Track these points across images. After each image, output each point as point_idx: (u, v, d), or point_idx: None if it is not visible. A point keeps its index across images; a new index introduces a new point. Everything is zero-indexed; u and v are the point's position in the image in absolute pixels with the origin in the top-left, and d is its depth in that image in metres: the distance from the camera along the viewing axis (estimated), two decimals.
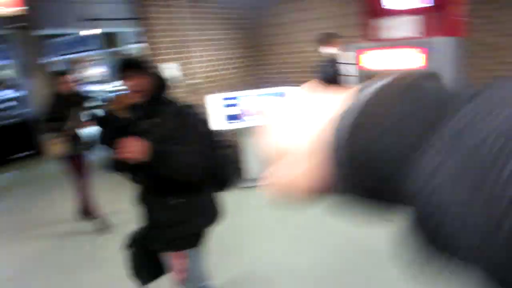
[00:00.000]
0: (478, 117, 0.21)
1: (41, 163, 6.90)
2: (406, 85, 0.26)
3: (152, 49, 4.66)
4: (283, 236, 3.36)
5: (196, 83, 5.05)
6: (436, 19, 3.78)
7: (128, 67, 1.75)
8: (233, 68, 5.70)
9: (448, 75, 3.72)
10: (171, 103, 1.79)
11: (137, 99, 1.74)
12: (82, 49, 17.86)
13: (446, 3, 3.74)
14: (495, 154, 0.19)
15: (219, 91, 4.71)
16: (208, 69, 5.28)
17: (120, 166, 1.72)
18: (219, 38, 5.43)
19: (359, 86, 0.29)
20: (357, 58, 4.08)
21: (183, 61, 4.92)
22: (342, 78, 4.08)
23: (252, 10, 5.91)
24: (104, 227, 3.78)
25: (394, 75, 0.28)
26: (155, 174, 1.67)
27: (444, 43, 3.64)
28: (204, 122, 1.80)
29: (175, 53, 4.82)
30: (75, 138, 3.62)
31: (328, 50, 4.13)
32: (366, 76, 3.95)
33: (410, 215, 0.24)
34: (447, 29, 3.75)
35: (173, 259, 1.85)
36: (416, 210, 0.23)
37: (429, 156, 0.23)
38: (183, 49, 4.92)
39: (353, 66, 4.15)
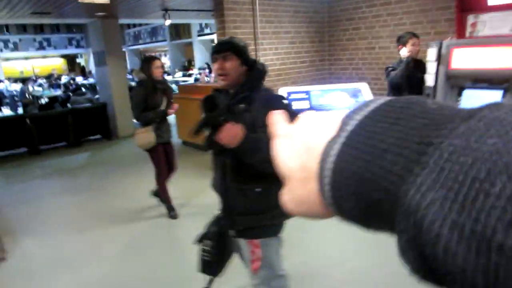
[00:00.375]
0: (469, 141, 0.22)
1: (112, 145, 7.35)
2: (396, 108, 0.26)
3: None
4: (343, 234, 3.29)
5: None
6: None
7: (224, 48, 1.73)
8: (302, 62, 5.48)
9: None
10: (262, 90, 1.75)
11: (228, 82, 1.73)
12: (150, 40, 18.81)
13: None
14: (478, 187, 0.20)
15: (288, 84, 4.53)
16: (278, 62, 5.12)
17: (215, 147, 1.74)
18: (289, 31, 5.23)
19: (348, 110, 0.28)
20: (449, 56, 3.64)
21: (251, 53, 4.81)
22: (420, 83, 3.68)
23: (327, 4, 5.62)
24: (173, 215, 3.84)
25: (382, 99, 0.27)
26: (240, 161, 1.64)
27: None
28: (292, 113, 1.65)
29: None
30: (166, 126, 3.65)
31: (402, 52, 3.77)
32: (459, 76, 3.51)
33: (399, 239, 0.24)
34: None
35: (248, 247, 1.81)
36: (405, 232, 0.23)
37: (419, 178, 0.23)
38: (251, 41, 4.80)
39: (434, 65, 3.73)
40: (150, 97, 3.43)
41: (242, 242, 1.84)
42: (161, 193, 3.89)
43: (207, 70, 7.99)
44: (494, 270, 0.18)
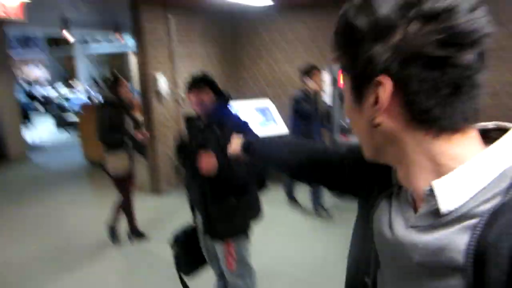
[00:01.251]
0: None
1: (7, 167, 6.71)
2: None
3: (140, 59, 4.85)
4: (286, 233, 3.83)
5: (180, 96, 5.29)
6: None
7: (199, 82, 2.12)
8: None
9: None
10: (231, 116, 2.17)
11: (205, 111, 2.11)
12: (29, 50, 17.03)
13: None
14: None
15: None
16: None
17: (191, 171, 2.10)
18: (200, 53, 5.73)
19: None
20: (338, 78, 4.58)
21: (167, 72, 5.15)
22: (320, 113, 4.16)
23: (230, 29, 6.30)
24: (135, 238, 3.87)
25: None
26: (217, 180, 2.01)
27: None
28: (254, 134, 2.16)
29: (161, 64, 5.04)
30: (136, 151, 3.60)
31: (309, 83, 4.07)
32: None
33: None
34: None
35: (224, 248, 2.18)
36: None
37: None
38: (167, 61, 5.15)
39: (330, 87, 4.63)
40: (117, 118, 3.42)
41: (218, 245, 2.18)
42: (130, 220, 3.87)
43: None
44: None
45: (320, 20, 5.56)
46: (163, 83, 4.99)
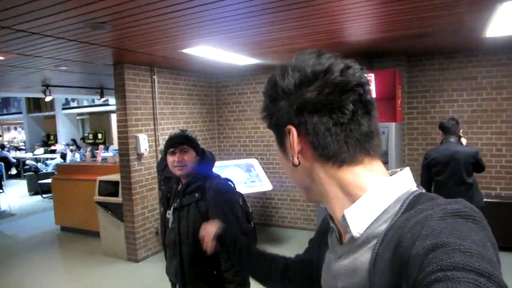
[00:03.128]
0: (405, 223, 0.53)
1: None
2: None
3: (121, 119, 4.80)
4: None
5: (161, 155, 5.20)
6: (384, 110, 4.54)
7: (179, 140, 1.97)
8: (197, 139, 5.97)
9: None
10: (214, 178, 2.01)
11: (185, 172, 1.95)
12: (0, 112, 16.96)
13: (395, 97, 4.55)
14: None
15: None
16: None
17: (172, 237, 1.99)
18: (184, 112, 5.75)
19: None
20: None
21: (149, 132, 5.10)
22: None
23: (215, 89, 6.42)
24: None
25: None
26: (197, 249, 1.82)
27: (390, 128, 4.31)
28: (243, 200, 2.04)
29: (143, 124, 5.00)
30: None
31: None
32: None
33: None
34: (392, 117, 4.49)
35: None
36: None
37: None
38: (150, 121, 5.13)
39: None
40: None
41: None
42: None
43: (102, 146, 7.72)
44: None
45: None
46: (145, 143, 4.91)
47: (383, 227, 0.57)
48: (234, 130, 6.37)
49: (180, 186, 2.03)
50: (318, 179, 0.65)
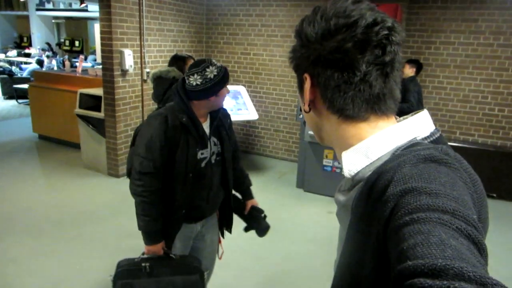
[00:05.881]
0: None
1: None
2: None
3: (106, 31, 4.65)
4: None
5: (147, 73, 5.15)
6: None
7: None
8: None
9: None
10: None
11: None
12: None
13: None
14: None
15: None
16: (161, 59, 5.41)
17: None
18: (172, 30, 5.58)
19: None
20: None
21: (135, 48, 4.99)
22: None
23: (206, 7, 6.17)
24: None
25: None
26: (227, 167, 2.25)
27: None
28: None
29: (128, 39, 4.87)
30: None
31: None
32: None
33: None
34: None
35: (217, 241, 2.34)
36: None
37: None
38: (137, 36, 4.98)
39: None
40: None
41: (215, 239, 2.29)
42: None
43: (82, 56, 7.49)
44: None
45: (301, 7, 5.56)
46: (130, 59, 4.82)
47: (370, 173, 0.62)
48: (223, 54, 6.27)
49: (207, 120, 2.02)
50: (326, 127, 0.72)
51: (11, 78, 10.22)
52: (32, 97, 6.60)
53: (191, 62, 3.28)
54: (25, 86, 8.13)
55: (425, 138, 0.64)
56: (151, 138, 1.87)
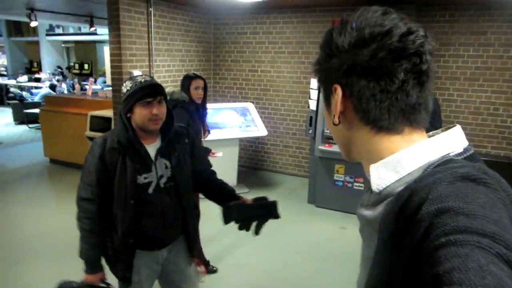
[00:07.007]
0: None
1: None
2: None
3: (115, 52, 4.76)
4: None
5: None
6: None
7: (159, 93, 1.81)
8: None
9: None
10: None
11: (157, 127, 1.87)
12: None
13: None
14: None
15: None
16: (170, 79, 5.50)
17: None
18: (180, 49, 5.69)
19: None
20: None
21: (144, 68, 5.09)
22: None
23: (213, 26, 6.30)
24: None
25: None
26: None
27: None
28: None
29: (137, 60, 4.97)
30: None
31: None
32: None
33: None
34: None
35: (195, 264, 2.19)
36: None
37: None
38: (146, 57, 5.09)
39: (315, 92, 4.66)
40: (191, 121, 3.20)
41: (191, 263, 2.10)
42: None
43: (92, 79, 7.66)
44: None
45: (308, 24, 5.65)
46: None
47: (399, 188, 0.59)
48: (231, 71, 6.36)
49: (158, 141, 1.92)
50: (356, 140, 0.69)
51: (22, 103, 10.43)
52: (43, 121, 6.72)
53: (197, 81, 3.41)
54: (36, 110, 8.29)
55: (459, 154, 0.62)
56: (87, 162, 1.84)
